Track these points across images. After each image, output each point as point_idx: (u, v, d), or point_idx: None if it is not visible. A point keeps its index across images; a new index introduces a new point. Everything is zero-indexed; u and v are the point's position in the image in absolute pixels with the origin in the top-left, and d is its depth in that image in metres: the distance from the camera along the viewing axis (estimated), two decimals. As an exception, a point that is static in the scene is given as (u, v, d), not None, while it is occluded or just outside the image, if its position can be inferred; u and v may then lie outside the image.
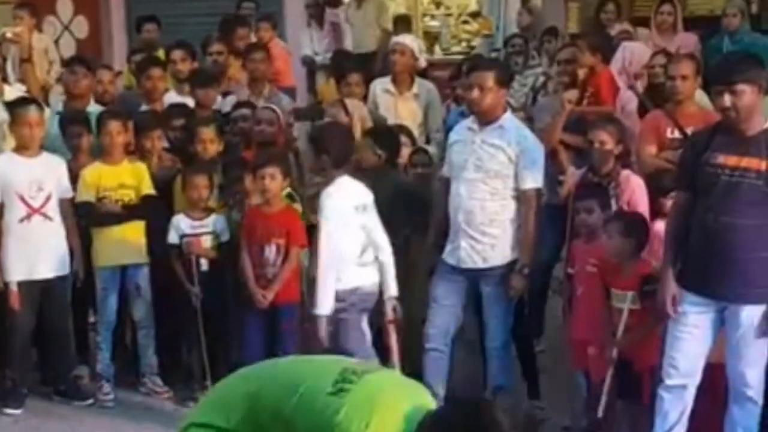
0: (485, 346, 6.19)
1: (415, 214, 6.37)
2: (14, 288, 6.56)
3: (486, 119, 6.02)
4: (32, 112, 6.68)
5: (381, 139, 6.66)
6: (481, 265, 6.03)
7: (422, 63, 8.19)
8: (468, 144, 6.07)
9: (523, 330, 6.45)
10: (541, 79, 8.58)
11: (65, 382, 6.84)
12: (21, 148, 6.67)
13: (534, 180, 6.01)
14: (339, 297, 5.84)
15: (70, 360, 6.86)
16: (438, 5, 14.16)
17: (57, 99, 7.91)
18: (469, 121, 6.21)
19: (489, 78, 5.98)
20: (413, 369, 6.39)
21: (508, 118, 6.10)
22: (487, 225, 5.99)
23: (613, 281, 5.68)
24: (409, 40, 8.32)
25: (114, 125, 6.82)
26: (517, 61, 9.39)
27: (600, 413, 5.65)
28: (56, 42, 11.17)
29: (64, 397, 6.76)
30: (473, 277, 6.07)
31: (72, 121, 7.17)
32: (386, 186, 6.38)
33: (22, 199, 6.57)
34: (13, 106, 6.85)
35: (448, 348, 6.17)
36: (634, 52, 8.50)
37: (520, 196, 5.99)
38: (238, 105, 7.61)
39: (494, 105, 6.01)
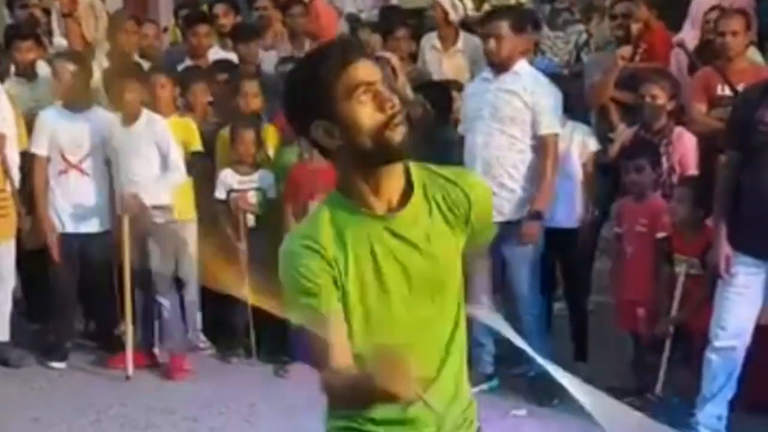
0: (519, 315, 6.00)
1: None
2: (54, 239, 6.60)
3: (502, 67, 5.92)
4: (68, 64, 6.67)
5: (430, 94, 6.55)
6: (497, 218, 5.89)
7: (453, 17, 8.02)
8: (483, 94, 5.97)
9: (577, 289, 6.37)
10: (584, 36, 8.40)
11: (109, 337, 6.85)
12: (67, 102, 6.66)
13: (550, 125, 5.87)
14: None
15: (114, 315, 6.85)
16: (490, -39, 13.97)
17: (102, 55, 7.87)
18: (484, 73, 6.12)
19: (504, 26, 5.89)
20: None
21: (523, 65, 5.98)
22: (506, 177, 5.89)
23: (677, 246, 5.59)
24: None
25: (159, 79, 6.78)
26: (566, 18, 9.20)
27: (659, 389, 5.58)
28: (103, -2, 11.13)
29: (108, 352, 6.76)
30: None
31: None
32: (435, 142, 6.31)
33: (62, 154, 6.61)
34: (53, 61, 6.85)
35: (488, 302, 6.08)
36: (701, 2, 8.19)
37: (537, 143, 5.88)
38: (283, 60, 7.53)
39: (512, 53, 5.91)
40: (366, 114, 2.36)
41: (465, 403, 2.58)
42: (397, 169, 2.43)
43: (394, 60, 7.03)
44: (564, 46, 8.31)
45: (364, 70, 2.38)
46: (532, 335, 5.96)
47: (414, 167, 2.47)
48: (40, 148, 6.60)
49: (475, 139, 5.93)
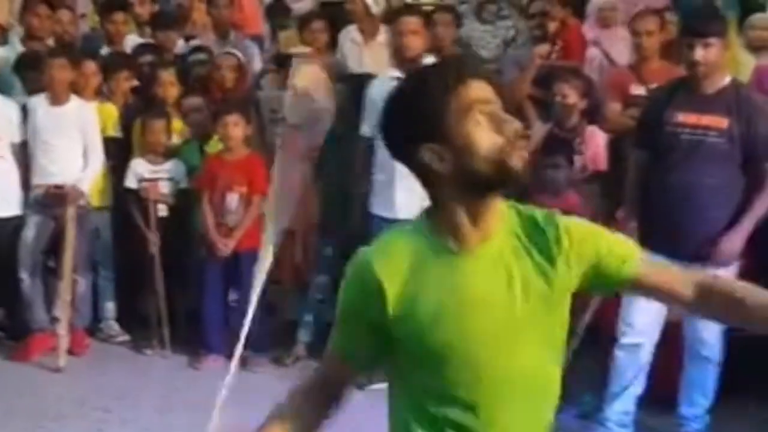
0: None
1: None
2: None
3: (412, 64, 5.82)
4: None
5: (349, 86, 6.55)
6: (400, 215, 5.86)
7: (374, 10, 8.01)
8: None
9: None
10: (512, 32, 8.47)
11: (18, 326, 6.74)
12: None
13: None
14: None
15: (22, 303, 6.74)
16: (412, -48, 14.00)
17: (15, 39, 7.73)
18: (391, 72, 6.00)
19: (418, 22, 5.91)
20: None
21: (430, 61, 5.99)
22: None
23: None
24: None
25: (88, 65, 6.80)
26: (490, 10, 9.23)
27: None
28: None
29: (16, 341, 6.66)
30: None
31: (32, 64, 7.02)
32: (353, 138, 6.31)
33: None
34: None
35: None
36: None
37: None
38: (194, 50, 7.51)
39: (423, 50, 5.94)
40: (483, 136, 2.14)
41: None
42: (499, 200, 2.22)
43: (311, 53, 7.02)
44: (492, 40, 8.35)
45: (480, 88, 2.18)
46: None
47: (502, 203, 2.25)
48: None
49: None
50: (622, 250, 2.28)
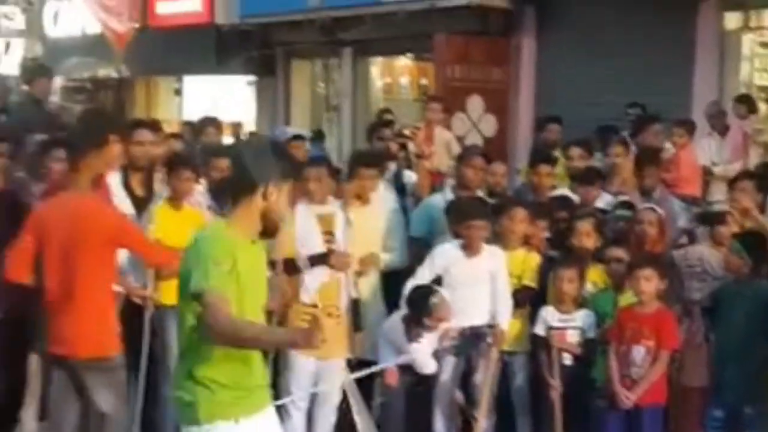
0: None
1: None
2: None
3: None
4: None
5: (750, 245, 6.34)
6: None
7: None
8: None
9: None
10: None
11: None
12: None
13: None
14: None
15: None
16: None
17: (448, 188, 8.19)
18: None
19: None
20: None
21: None
22: None
23: None
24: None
25: (518, 213, 7.10)
26: None
27: None
28: (463, 138, 11.65)
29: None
30: None
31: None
32: (750, 295, 6.15)
33: None
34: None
35: None
36: None
37: None
38: (620, 204, 7.58)
39: None
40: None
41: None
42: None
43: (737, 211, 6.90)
44: None
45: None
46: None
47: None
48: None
49: None
50: None
